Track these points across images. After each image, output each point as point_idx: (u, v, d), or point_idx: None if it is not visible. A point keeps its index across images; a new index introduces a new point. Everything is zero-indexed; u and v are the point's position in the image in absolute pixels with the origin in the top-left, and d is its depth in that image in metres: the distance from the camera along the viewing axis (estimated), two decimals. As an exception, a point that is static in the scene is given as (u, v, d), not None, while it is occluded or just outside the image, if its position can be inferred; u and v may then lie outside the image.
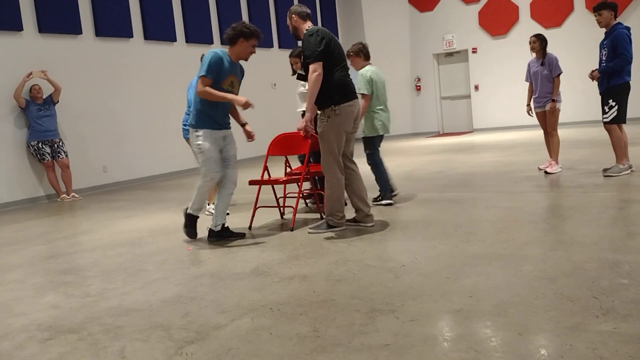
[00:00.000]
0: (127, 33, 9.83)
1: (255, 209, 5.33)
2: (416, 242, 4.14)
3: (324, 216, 4.83)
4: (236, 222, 5.51)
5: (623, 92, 5.99)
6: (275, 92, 12.89)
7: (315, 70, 4.37)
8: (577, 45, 12.93)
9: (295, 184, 5.45)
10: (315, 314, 2.87)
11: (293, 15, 4.65)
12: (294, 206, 5.18)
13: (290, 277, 3.54)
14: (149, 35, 10.22)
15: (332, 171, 4.58)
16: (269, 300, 3.15)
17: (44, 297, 3.62)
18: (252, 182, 5.20)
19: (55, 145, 8.34)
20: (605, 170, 6.22)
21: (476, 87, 14.70)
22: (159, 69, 10.42)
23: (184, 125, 6.13)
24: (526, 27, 13.59)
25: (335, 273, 3.54)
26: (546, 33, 12.45)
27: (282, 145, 5.41)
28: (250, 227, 5.22)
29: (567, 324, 2.47)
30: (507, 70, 13.91)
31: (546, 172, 6.68)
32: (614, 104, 5.99)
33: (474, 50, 14.59)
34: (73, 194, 8.48)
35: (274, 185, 5.36)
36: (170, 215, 6.29)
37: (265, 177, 5.34)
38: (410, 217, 5.01)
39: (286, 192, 5.85)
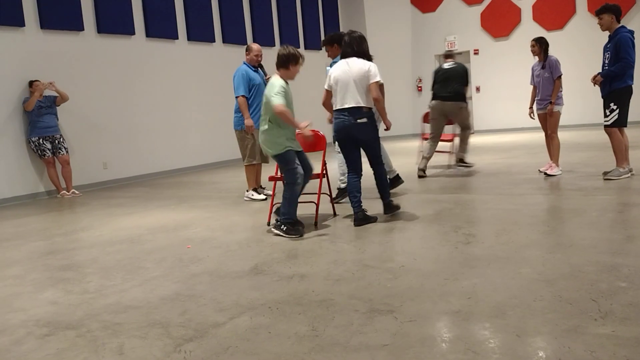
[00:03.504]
0: (129, 30, 9.83)
1: (272, 204, 5.32)
2: (415, 243, 4.14)
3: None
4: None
5: (625, 95, 5.99)
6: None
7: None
8: (579, 48, 12.93)
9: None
10: (313, 313, 2.87)
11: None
12: (316, 202, 5.20)
13: (289, 276, 3.54)
14: (150, 33, 10.21)
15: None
16: (267, 299, 3.15)
17: (43, 293, 3.62)
18: (271, 178, 5.29)
19: (56, 142, 8.33)
20: (605, 173, 6.22)
21: (477, 89, 14.70)
22: (160, 66, 10.42)
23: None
24: (528, 29, 13.58)
25: (334, 273, 3.55)
26: (548, 35, 12.41)
27: (306, 141, 5.39)
28: (268, 223, 5.20)
29: (565, 327, 2.47)
30: (508, 72, 13.91)
31: (546, 174, 6.68)
32: (615, 107, 5.99)
33: (476, 52, 14.59)
34: (73, 190, 8.48)
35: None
36: (170, 213, 6.29)
37: None
38: (410, 218, 5.01)
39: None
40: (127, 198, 7.84)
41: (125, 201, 7.54)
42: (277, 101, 4.57)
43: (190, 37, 11.02)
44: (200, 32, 11.20)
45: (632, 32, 5.97)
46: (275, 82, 4.70)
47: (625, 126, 6.11)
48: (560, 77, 6.57)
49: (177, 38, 10.77)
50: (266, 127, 4.74)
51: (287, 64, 4.72)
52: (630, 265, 3.22)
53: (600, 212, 4.63)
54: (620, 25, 6.01)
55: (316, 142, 5.37)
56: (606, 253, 3.52)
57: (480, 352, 2.30)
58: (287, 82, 4.78)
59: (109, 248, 4.77)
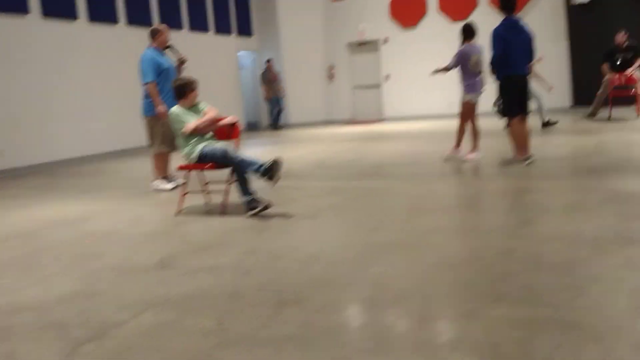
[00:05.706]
0: (23, 8, 9.16)
1: (183, 195, 5.13)
2: (326, 231, 4.18)
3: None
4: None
5: (504, 86, 6.24)
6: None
7: None
8: (483, 37, 13.49)
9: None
10: (221, 307, 2.82)
11: None
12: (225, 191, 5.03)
13: (197, 269, 3.46)
14: (47, 12, 9.56)
15: None
16: (173, 294, 3.06)
17: None
18: (181, 167, 5.09)
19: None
20: (504, 161, 6.49)
21: (387, 77, 15.02)
22: (59, 48, 9.80)
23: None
24: (434, 19, 14.02)
25: (243, 264, 3.50)
26: (453, 26, 12.92)
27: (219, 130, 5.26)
28: (179, 212, 5.02)
29: (463, 310, 2.58)
30: (417, 61, 14.24)
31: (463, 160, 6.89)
32: (498, 98, 6.36)
33: (386, 41, 14.89)
34: (-39, 181, 7.85)
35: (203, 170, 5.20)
36: (70, 205, 5.95)
37: None
38: (321, 206, 5.04)
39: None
40: (23, 189, 7.35)
41: (21, 192, 7.07)
42: (186, 126, 4.87)
43: (92, 17, 10.42)
44: (102, 12, 10.62)
45: (509, 24, 6.15)
46: (174, 114, 4.95)
47: (513, 116, 6.21)
48: (448, 67, 6.85)
49: (78, 18, 10.16)
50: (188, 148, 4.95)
51: (185, 93, 5.00)
52: (524, 249, 3.42)
53: (499, 198, 4.89)
54: (505, 17, 6.24)
55: (230, 132, 5.27)
56: (502, 237, 3.72)
57: (384, 338, 2.35)
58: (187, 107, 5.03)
59: (1, 244, 4.44)
